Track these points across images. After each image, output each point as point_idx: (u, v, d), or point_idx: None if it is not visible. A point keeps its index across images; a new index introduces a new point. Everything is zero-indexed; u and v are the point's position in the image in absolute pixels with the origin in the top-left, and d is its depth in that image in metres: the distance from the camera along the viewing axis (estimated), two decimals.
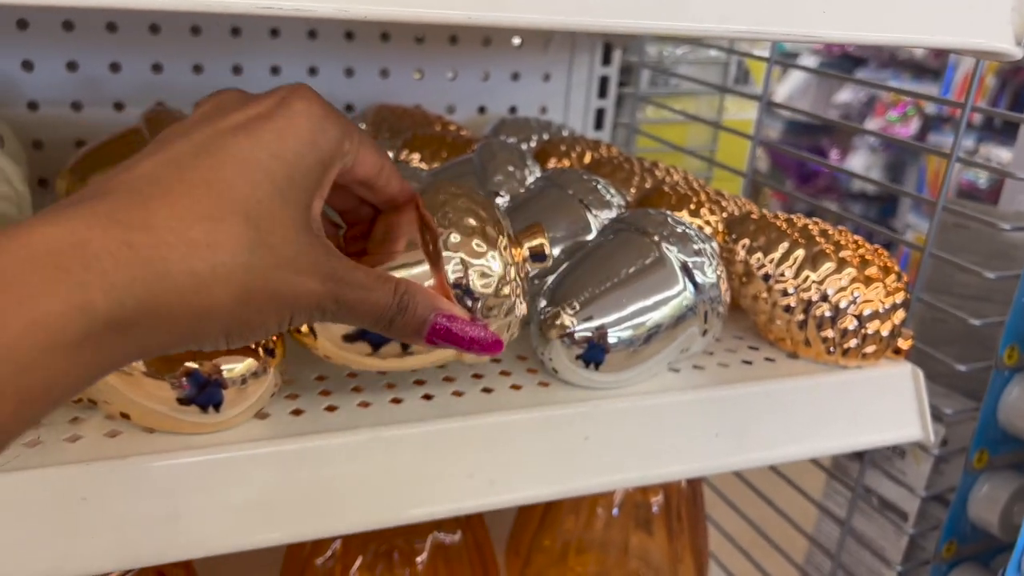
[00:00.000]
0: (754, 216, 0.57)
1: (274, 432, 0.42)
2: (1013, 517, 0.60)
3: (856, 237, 0.56)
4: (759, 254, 0.54)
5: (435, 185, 0.43)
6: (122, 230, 0.25)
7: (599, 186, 0.56)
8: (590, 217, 0.54)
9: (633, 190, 0.66)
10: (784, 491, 0.74)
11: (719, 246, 0.55)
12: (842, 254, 0.53)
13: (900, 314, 0.53)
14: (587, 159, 0.71)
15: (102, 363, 0.26)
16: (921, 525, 0.66)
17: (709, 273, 0.49)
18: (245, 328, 0.29)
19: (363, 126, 0.77)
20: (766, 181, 0.87)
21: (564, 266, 0.50)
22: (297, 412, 0.44)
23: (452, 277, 0.40)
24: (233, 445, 0.41)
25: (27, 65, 0.70)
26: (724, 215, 0.61)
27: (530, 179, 0.60)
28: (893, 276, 0.53)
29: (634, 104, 0.97)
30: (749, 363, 0.55)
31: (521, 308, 0.43)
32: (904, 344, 0.55)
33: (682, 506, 0.67)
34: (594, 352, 0.47)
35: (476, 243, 0.40)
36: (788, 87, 3.11)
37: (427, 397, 0.47)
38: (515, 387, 0.49)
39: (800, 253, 0.53)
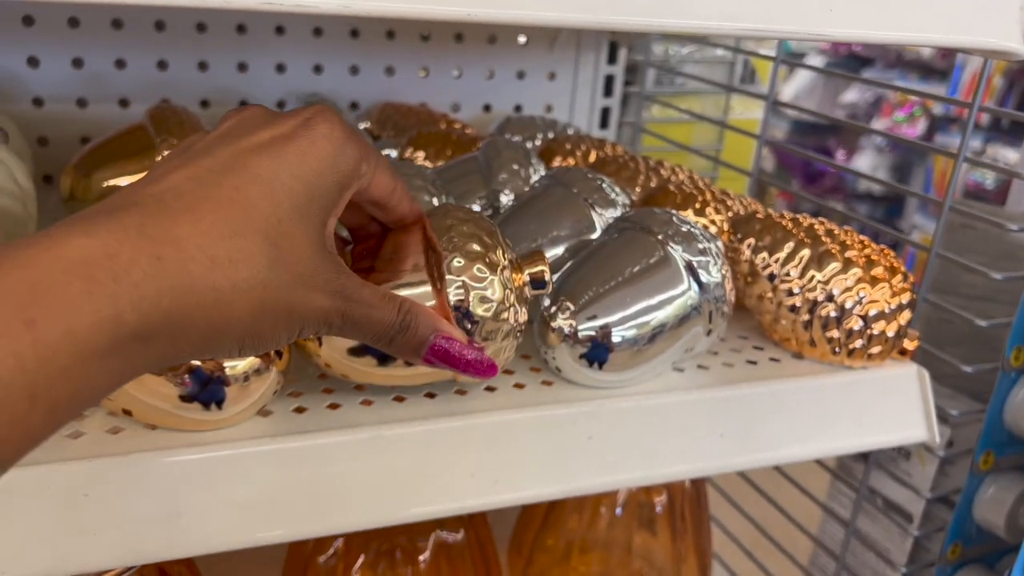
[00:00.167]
0: (759, 216, 0.57)
1: (276, 430, 0.42)
2: (1019, 519, 0.59)
3: (862, 237, 0.55)
4: (764, 254, 0.54)
5: (442, 209, 0.44)
6: (151, 244, 0.26)
7: (604, 185, 0.56)
8: (595, 216, 0.54)
9: (638, 189, 0.66)
10: (788, 492, 0.74)
11: (724, 245, 0.55)
12: (848, 254, 0.52)
13: (906, 315, 0.53)
14: (592, 158, 0.71)
15: (125, 372, 0.26)
16: (926, 527, 0.66)
17: (714, 272, 0.48)
18: (258, 341, 0.30)
19: (368, 124, 0.77)
20: (772, 181, 0.86)
21: (568, 265, 0.50)
22: (300, 410, 0.44)
23: (453, 300, 0.41)
24: (235, 442, 0.41)
25: (32, 61, 0.70)
26: (729, 214, 0.61)
27: (535, 177, 0.60)
28: (899, 276, 0.53)
29: (639, 103, 0.97)
30: (754, 363, 0.54)
31: (519, 333, 0.44)
32: (910, 345, 0.54)
33: (686, 506, 0.67)
34: (598, 351, 0.46)
35: (478, 268, 0.42)
36: (794, 87, 3.10)
37: (430, 396, 0.47)
38: (518, 386, 0.49)
39: (806, 253, 0.53)
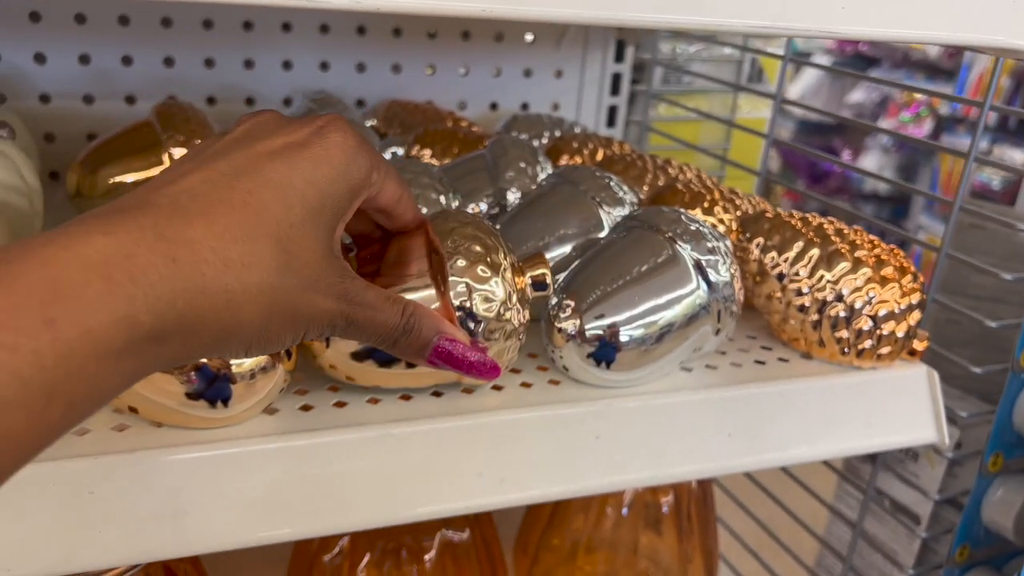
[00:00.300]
0: (768, 215, 0.56)
1: (283, 428, 0.42)
2: None
3: (872, 237, 0.55)
4: (773, 253, 0.54)
5: (444, 213, 0.45)
6: (166, 245, 0.26)
7: (612, 183, 0.56)
8: (602, 214, 0.54)
9: (646, 187, 0.66)
10: (794, 492, 0.74)
11: (733, 245, 0.54)
12: (857, 254, 0.52)
13: (916, 315, 0.53)
14: (599, 156, 0.71)
15: (138, 372, 0.27)
16: (934, 529, 0.65)
17: (723, 272, 0.48)
18: (265, 343, 0.31)
19: (374, 121, 0.76)
20: (778, 180, 0.86)
21: (576, 263, 0.49)
22: (306, 408, 0.44)
23: (456, 300, 0.42)
24: (241, 440, 0.41)
25: (39, 58, 0.70)
26: (738, 213, 0.60)
27: (542, 176, 0.60)
28: (909, 276, 0.52)
29: (646, 102, 0.97)
30: (762, 363, 0.54)
31: (521, 334, 0.45)
32: (920, 345, 0.54)
33: (692, 506, 0.67)
34: (605, 350, 0.46)
35: (481, 269, 0.42)
36: (800, 87, 3.09)
37: (437, 394, 0.46)
38: (525, 385, 0.48)
39: (815, 252, 0.52)
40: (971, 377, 0.59)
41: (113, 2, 0.70)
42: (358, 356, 0.43)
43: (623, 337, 0.46)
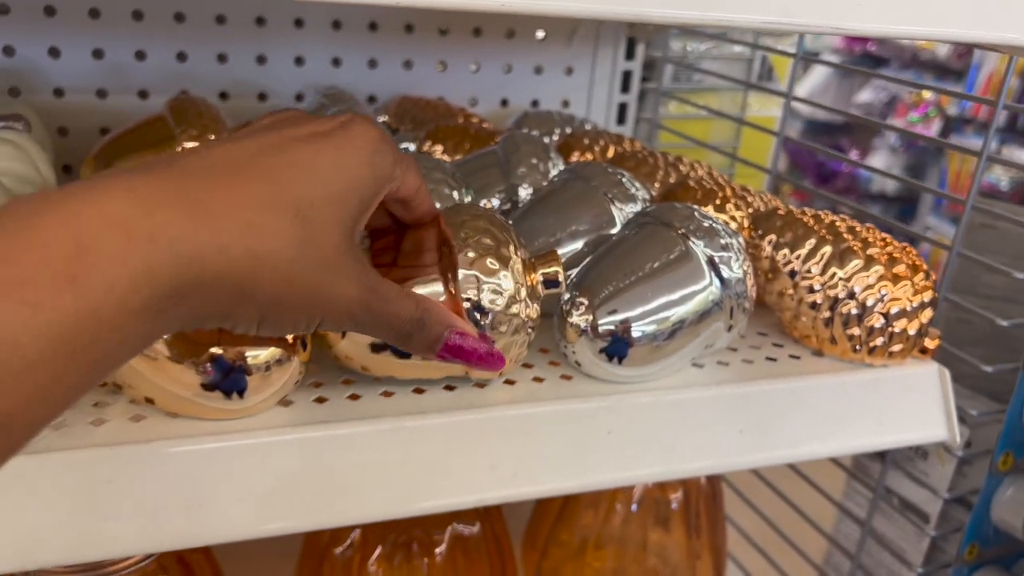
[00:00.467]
0: (780, 212, 0.56)
1: (297, 420, 0.42)
2: None
3: (884, 235, 0.55)
4: (785, 250, 0.54)
5: (457, 206, 0.45)
6: (187, 205, 0.27)
7: (624, 179, 0.56)
8: (614, 210, 0.54)
9: (657, 184, 0.66)
10: (803, 490, 0.74)
11: (745, 241, 0.54)
12: (870, 251, 0.52)
13: (928, 313, 0.53)
14: (610, 153, 0.71)
15: (156, 330, 0.27)
16: (943, 527, 0.65)
17: (735, 268, 0.48)
18: (277, 319, 0.31)
19: (386, 117, 0.77)
20: (786, 179, 0.86)
21: (588, 259, 0.50)
22: (320, 400, 0.44)
23: (466, 292, 0.42)
24: (256, 432, 0.41)
25: (53, 52, 0.70)
26: (750, 211, 0.60)
27: (553, 172, 0.60)
28: (921, 274, 0.52)
29: (657, 99, 0.97)
30: (774, 360, 0.54)
31: (530, 329, 0.45)
32: (931, 344, 0.54)
33: (701, 503, 0.67)
34: (618, 346, 0.46)
35: (490, 261, 0.43)
36: (808, 87, 3.08)
37: (449, 388, 0.47)
38: (537, 380, 0.48)
39: (827, 250, 0.52)
40: (982, 376, 0.59)
41: None
42: (376, 348, 0.43)
43: (635, 333, 0.46)
